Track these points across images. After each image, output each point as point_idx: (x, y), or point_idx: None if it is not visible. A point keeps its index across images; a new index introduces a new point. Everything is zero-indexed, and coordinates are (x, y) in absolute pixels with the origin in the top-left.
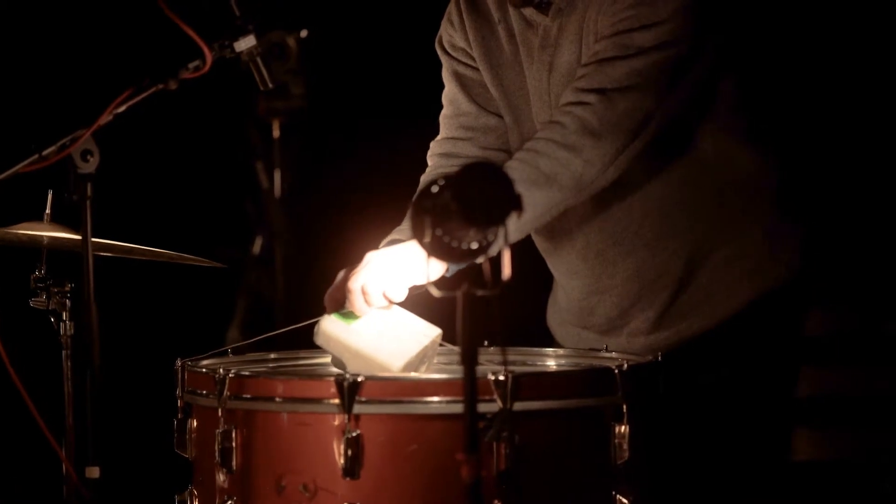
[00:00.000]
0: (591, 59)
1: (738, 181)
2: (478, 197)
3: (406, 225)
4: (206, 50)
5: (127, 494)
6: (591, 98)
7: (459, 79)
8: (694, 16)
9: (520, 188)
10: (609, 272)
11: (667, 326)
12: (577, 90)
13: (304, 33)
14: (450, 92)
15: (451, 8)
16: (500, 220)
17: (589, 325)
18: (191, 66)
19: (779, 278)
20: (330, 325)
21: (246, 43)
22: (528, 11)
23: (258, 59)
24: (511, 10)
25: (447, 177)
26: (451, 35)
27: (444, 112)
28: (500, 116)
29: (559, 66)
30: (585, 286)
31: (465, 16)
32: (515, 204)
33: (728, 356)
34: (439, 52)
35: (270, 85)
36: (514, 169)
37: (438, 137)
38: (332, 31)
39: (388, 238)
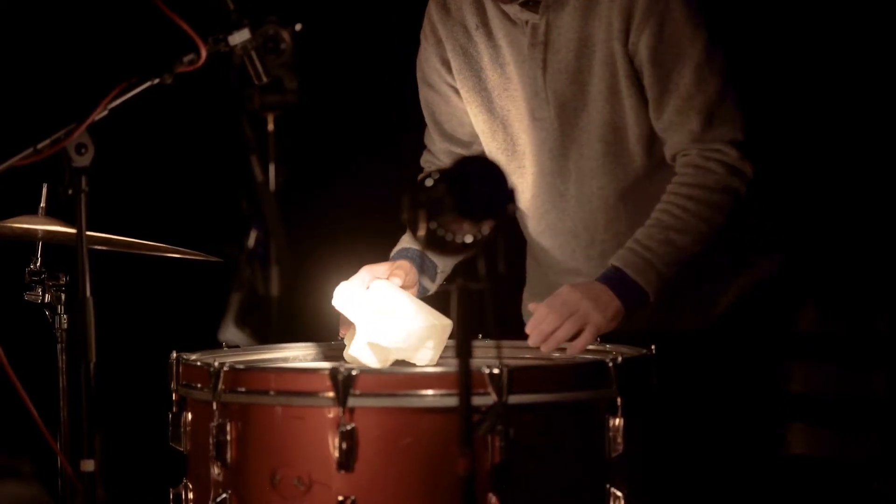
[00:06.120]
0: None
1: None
2: (472, 190)
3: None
4: (200, 44)
5: (122, 488)
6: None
7: (429, 108)
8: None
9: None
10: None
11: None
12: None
13: (298, 27)
14: (426, 118)
15: (424, 23)
16: (494, 213)
17: None
18: (185, 59)
19: (763, 276)
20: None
21: (240, 37)
22: (512, 9)
23: (252, 53)
24: (491, 13)
25: (442, 170)
26: (426, 49)
27: (426, 132)
28: (467, 146)
29: (555, 64)
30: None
31: (438, 27)
32: (509, 197)
33: (709, 351)
34: (417, 77)
35: (265, 79)
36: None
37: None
38: (327, 23)
39: (398, 247)
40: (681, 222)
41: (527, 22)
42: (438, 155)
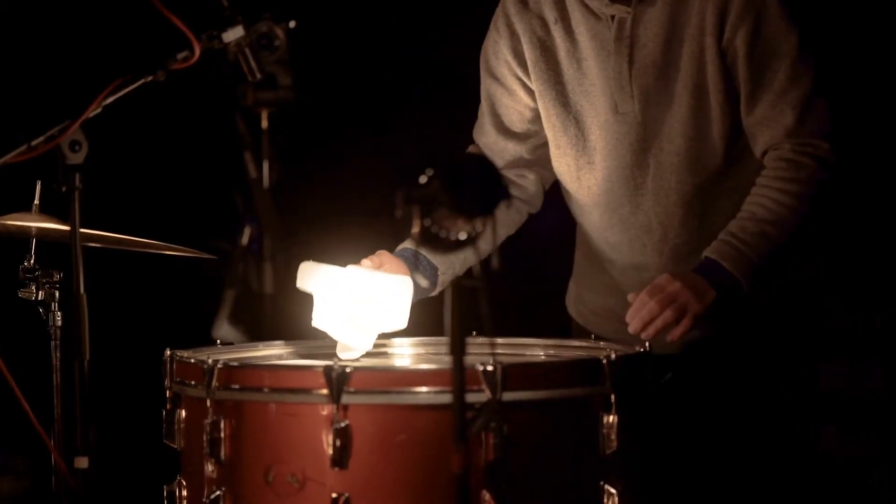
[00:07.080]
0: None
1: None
2: (467, 187)
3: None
4: (194, 41)
5: (116, 485)
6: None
7: (489, 99)
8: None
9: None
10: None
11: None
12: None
13: (292, 24)
14: (481, 109)
15: (498, 15)
16: (488, 209)
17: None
18: (179, 56)
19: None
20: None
21: (234, 33)
22: (597, 4)
23: (246, 50)
24: (572, 7)
25: (436, 167)
26: (496, 41)
27: (476, 124)
28: (521, 140)
29: (642, 59)
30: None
31: (514, 20)
32: (503, 194)
33: (710, 349)
34: (481, 67)
35: (258, 75)
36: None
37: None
38: (321, 20)
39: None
40: (774, 215)
41: (612, 17)
42: (486, 149)
